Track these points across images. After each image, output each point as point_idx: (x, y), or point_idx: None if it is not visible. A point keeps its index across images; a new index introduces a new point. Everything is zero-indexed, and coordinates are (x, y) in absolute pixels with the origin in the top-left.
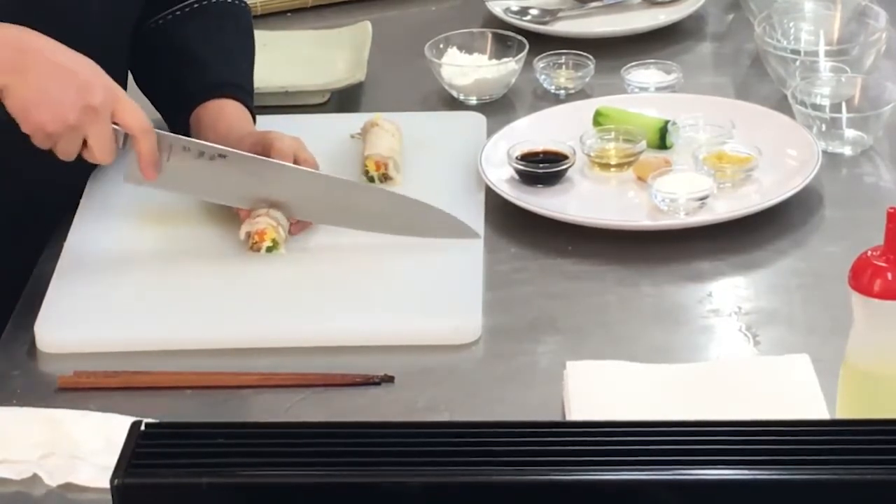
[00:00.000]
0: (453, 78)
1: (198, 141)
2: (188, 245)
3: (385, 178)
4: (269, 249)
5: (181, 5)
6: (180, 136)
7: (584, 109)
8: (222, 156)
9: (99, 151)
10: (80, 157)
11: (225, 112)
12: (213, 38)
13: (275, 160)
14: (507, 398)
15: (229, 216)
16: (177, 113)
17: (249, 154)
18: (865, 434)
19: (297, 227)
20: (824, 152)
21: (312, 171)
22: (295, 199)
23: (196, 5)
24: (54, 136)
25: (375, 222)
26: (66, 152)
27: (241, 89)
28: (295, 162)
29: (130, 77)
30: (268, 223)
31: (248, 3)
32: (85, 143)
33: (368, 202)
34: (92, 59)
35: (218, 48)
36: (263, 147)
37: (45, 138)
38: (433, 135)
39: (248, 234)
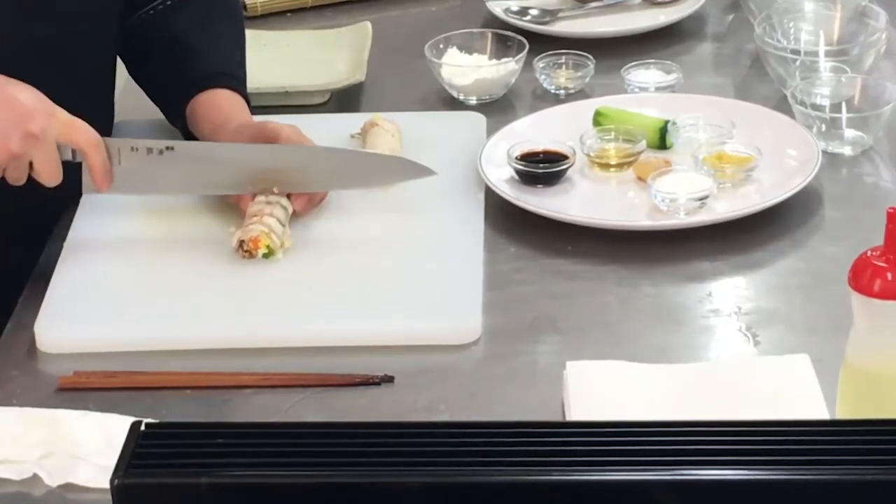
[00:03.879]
0: (453, 78)
1: (144, 140)
2: (188, 245)
3: None
4: (265, 256)
5: None
6: (126, 139)
7: (584, 109)
8: (170, 148)
9: (45, 175)
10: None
11: (219, 102)
12: (203, 27)
13: (220, 143)
14: (507, 398)
15: (229, 216)
16: (172, 104)
17: (195, 142)
18: (865, 434)
19: (301, 203)
20: (824, 152)
21: (256, 145)
22: (250, 176)
23: None
24: (1, 165)
25: (332, 181)
26: (15, 178)
27: (234, 78)
28: None
29: (122, 68)
30: (261, 230)
31: (248, 3)
32: (32, 166)
33: (318, 163)
34: (80, 53)
35: (209, 37)
36: (266, 140)
37: None
38: (433, 135)
39: (242, 243)
